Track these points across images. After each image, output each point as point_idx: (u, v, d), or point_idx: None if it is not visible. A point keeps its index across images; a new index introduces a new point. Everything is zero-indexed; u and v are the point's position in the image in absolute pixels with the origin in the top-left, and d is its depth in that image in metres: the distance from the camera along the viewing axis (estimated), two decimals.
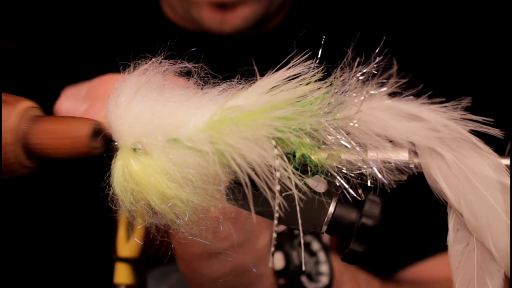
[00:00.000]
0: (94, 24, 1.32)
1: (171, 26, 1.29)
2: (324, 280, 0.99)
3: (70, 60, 1.30)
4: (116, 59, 0.63)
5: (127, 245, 0.98)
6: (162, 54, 0.63)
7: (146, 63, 0.62)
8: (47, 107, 0.65)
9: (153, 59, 0.62)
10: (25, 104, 0.61)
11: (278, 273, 0.97)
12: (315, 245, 1.01)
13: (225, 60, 0.63)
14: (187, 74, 0.63)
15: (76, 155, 0.61)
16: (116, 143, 0.62)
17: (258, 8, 1.18)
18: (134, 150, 0.61)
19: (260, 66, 0.62)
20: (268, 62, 0.62)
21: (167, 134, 0.60)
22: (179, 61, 0.63)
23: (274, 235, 0.57)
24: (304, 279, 0.98)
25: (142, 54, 0.63)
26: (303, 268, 0.59)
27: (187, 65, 0.63)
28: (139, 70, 0.62)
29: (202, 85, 0.63)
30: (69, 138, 0.60)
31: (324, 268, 0.99)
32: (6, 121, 0.60)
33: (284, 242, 0.97)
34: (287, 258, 0.96)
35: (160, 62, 0.62)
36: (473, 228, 0.62)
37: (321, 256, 1.00)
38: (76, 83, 0.88)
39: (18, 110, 0.60)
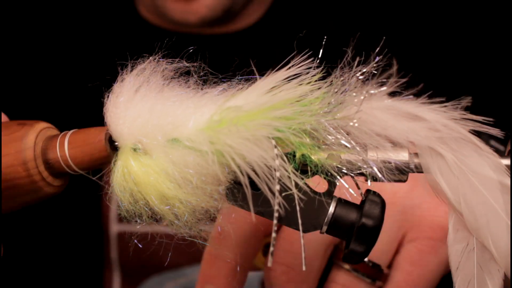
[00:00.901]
0: (73, 26, 1.32)
1: (148, 26, 1.29)
2: None
3: (71, 59, 1.30)
4: (96, 59, 0.64)
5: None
6: (160, 54, 0.62)
7: (143, 63, 0.62)
8: (48, 107, 0.66)
9: (150, 58, 0.62)
10: (42, 125, 0.64)
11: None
12: None
13: (208, 59, 0.63)
14: (186, 73, 0.63)
15: (96, 161, 0.63)
16: (116, 143, 0.62)
17: None
18: (134, 150, 0.61)
19: (242, 64, 0.63)
20: (246, 59, 0.62)
21: (166, 134, 0.60)
22: (177, 60, 0.63)
23: (274, 234, 0.57)
24: None
25: (121, 55, 0.63)
26: (303, 268, 0.59)
27: (186, 64, 0.63)
28: (137, 70, 0.62)
29: (202, 84, 0.63)
30: (87, 145, 0.62)
31: None
32: (25, 139, 0.62)
33: None
34: None
35: (158, 61, 0.62)
36: (473, 228, 0.62)
37: None
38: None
39: (35, 129, 0.63)
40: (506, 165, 0.62)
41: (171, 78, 0.63)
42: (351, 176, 0.61)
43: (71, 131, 0.64)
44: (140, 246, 0.67)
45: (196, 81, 0.63)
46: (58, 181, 0.64)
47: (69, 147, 0.62)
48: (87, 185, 0.64)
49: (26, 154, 0.62)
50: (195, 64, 0.63)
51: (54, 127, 0.66)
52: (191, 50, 0.64)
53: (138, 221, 0.62)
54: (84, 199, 1.21)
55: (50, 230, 1.30)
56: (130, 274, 1.25)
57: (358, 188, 0.62)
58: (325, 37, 0.63)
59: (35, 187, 0.63)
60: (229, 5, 1.20)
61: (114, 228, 1.21)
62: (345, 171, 0.61)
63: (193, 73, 0.63)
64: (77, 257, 1.29)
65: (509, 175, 0.62)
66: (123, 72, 0.62)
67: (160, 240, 0.68)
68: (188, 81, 0.63)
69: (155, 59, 0.62)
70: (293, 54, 0.61)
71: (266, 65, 0.62)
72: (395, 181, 0.62)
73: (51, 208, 1.26)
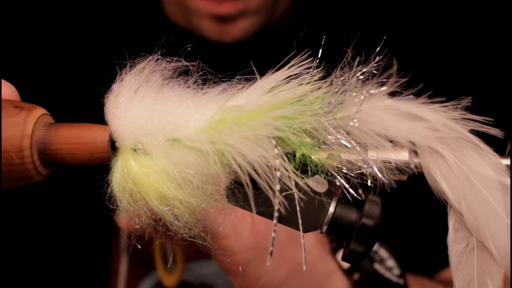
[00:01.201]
0: (97, 25, 1.32)
1: (173, 27, 1.28)
2: (396, 271, 0.98)
3: (72, 59, 1.30)
4: (117, 60, 0.63)
5: (170, 276, 0.98)
6: (159, 52, 0.62)
7: (143, 62, 0.62)
8: (49, 105, 0.65)
9: (149, 57, 0.62)
10: (40, 111, 0.61)
11: (348, 271, 0.96)
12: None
13: (225, 62, 0.63)
14: (185, 73, 0.63)
15: (94, 161, 0.61)
16: (116, 143, 0.62)
17: (258, 20, 1.17)
18: (134, 150, 0.61)
19: (261, 68, 0.62)
20: (269, 64, 0.62)
21: (167, 134, 0.60)
22: (175, 58, 0.62)
23: (273, 234, 0.57)
24: (378, 267, 0.97)
25: (144, 55, 0.63)
26: (304, 268, 0.59)
27: (185, 63, 0.63)
28: (136, 69, 0.62)
29: (202, 84, 0.63)
30: (89, 143, 0.60)
31: (390, 262, 0.99)
32: (23, 126, 0.59)
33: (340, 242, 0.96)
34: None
35: (157, 60, 0.62)
36: (473, 228, 0.62)
37: (383, 253, 0.99)
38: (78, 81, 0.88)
39: (34, 116, 0.60)
40: (506, 165, 0.62)
41: (171, 78, 0.63)
42: (351, 176, 0.61)
43: (70, 124, 0.61)
44: (139, 246, 0.66)
45: (196, 80, 0.63)
46: (47, 170, 0.62)
47: (69, 141, 0.60)
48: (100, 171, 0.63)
49: (23, 141, 0.59)
50: (194, 63, 0.63)
51: (50, 114, 0.63)
52: (189, 48, 0.63)
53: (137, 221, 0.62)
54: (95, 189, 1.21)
55: (59, 217, 1.30)
56: (138, 264, 1.25)
57: (359, 188, 0.62)
58: (324, 37, 0.63)
59: (25, 175, 0.60)
60: (262, 27, 1.21)
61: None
62: (345, 171, 0.61)
63: (193, 73, 0.63)
64: (86, 243, 1.30)
65: (509, 175, 0.62)
66: (122, 72, 0.62)
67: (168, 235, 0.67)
68: (188, 80, 0.63)
69: (154, 58, 0.62)
70: (292, 53, 0.61)
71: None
72: (395, 181, 0.62)
73: (61, 194, 1.27)
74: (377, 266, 0.97)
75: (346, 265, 0.95)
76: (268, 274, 0.84)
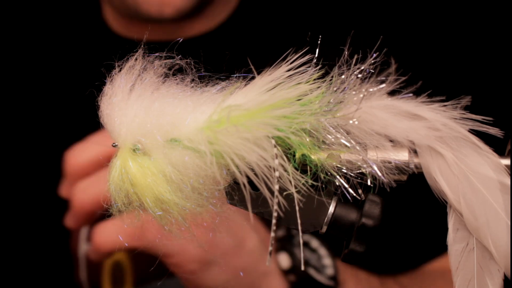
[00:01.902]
0: (36, 30, 1.33)
1: (114, 36, 1.28)
2: (329, 271, 1.03)
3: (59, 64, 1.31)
4: (57, 70, 0.63)
5: None
6: (146, 53, 0.62)
7: (132, 62, 0.62)
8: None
9: (137, 57, 0.62)
10: None
11: (287, 272, 1.00)
12: (314, 243, 1.04)
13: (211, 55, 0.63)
14: (179, 70, 0.63)
15: None
16: (116, 144, 0.62)
17: None
18: (134, 150, 0.60)
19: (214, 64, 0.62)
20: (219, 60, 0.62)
21: (166, 133, 0.60)
22: (164, 54, 0.62)
23: (272, 234, 0.57)
24: (312, 271, 1.01)
25: (85, 64, 0.63)
26: (302, 268, 0.59)
27: (180, 62, 0.62)
28: (126, 69, 0.61)
29: (199, 82, 0.63)
30: None
31: (327, 261, 1.03)
32: None
33: (285, 243, 1.00)
34: (292, 257, 1.00)
35: (145, 58, 0.62)
36: (473, 227, 0.62)
37: (322, 251, 1.04)
38: None
39: None
40: (506, 165, 0.62)
41: (167, 76, 0.62)
42: (351, 176, 0.61)
43: None
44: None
45: (193, 79, 0.62)
46: None
47: None
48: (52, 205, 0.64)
49: None
50: (188, 60, 0.62)
51: None
52: (180, 40, 0.63)
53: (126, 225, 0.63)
54: (50, 219, 1.22)
55: (16, 250, 1.29)
56: None
57: (358, 188, 0.62)
58: (320, 36, 0.63)
59: None
60: None
61: (84, 248, 1.20)
62: (345, 171, 0.61)
63: (189, 71, 0.62)
64: (45, 280, 1.29)
65: (509, 175, 0.61)
66: (111, 73, 0.62)
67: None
68: (184, 79, 0.62)
69: (144, 56, 0.62)
70: (288, 51, 0.61)
71: (240, 64, 0.62)
72: (395, 180, 0.62)
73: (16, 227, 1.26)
74: (310, 268, 1.02)
75: (285, 265, 1.00)
76: (212, 278, 0.94)
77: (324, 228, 0.62)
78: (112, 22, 1.29)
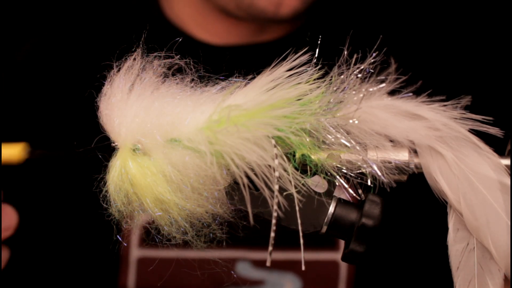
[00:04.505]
0: (96, 26, 1.32)
1: (194, 42, 1.24)
2: None
3: (77, 61, 1.30)
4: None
5: None
6: (146, 51, 0.62)
7: (130, 60, 0.62)
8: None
9: (135, 54, 0.61)
10: None
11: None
12: None
13: (218, 65, 0.62)
14: (179, 71, 0.63)
15: None
16: (115, 144, 0.62)
17: None
18: (134, 150, 0.60)
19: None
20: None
21: (166, 133, 0.60)
22: (163, 54, 0.62)
23: (272, 234, 0.57)
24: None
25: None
26: (303, 268, 0.59)
27: (178, 61, 0.62)
28: (125, 69, 0.61)
29: (199, 82, 0.62)
30: None
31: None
32: None
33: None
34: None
35: (144, 58, 0.62)
36: (473, 227, 0.62)
37: None
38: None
39: None
40: (506, 165, 0.62)
41: (166, 76, 0.62)
42: (351, 176, 0.61)
43: None
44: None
45: (193, 79, 0.62)
46: None
47: None
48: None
49: None
50: (188, 60, 0.62)
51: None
52: (180, 40, 0.63)
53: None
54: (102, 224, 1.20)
55: (65, 252, 1.28)
56: None
57: (358, 188, 0.62)
58: (320, 36, 0.63)
59: None
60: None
61: (135, 253, 1.19)
62: (345, 171, 0.61)
63: (190, 71, 0.62)
64: (90, 281, 1.28)
65: (509, 175, 0.61)
66: (110, 74, 0.61)
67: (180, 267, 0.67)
68: (184, 79, 0.62)
69: (143, 56, 0.62)
70: (288, 50, 0.61)
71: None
72: (395, 180, 0.62)
73: (67, 229, 1.26)
74: None
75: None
76: None
77: (324, 228, 0.62)
78: (181, 20, 1.24)
